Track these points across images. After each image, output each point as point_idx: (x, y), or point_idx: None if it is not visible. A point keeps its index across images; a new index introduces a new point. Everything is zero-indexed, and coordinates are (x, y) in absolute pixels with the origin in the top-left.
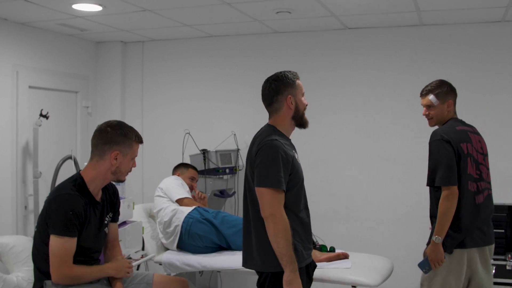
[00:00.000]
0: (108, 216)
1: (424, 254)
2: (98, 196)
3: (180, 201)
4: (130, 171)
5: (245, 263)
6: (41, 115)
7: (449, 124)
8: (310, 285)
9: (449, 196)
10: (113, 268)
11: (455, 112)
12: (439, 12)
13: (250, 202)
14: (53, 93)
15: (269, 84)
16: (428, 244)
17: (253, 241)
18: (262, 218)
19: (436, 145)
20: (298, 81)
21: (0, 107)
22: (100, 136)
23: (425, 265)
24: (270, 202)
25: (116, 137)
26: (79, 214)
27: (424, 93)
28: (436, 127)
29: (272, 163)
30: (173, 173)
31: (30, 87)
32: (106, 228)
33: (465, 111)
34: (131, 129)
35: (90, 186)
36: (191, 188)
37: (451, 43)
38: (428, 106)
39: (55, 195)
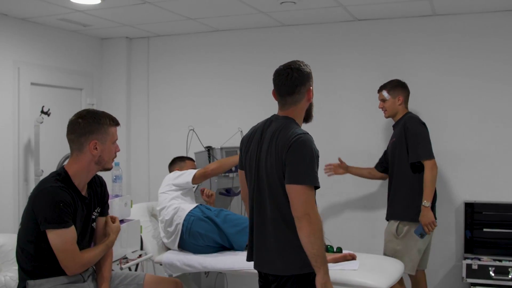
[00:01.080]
0: (96, 210)
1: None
2: (83, 191)
3: (193, 179)
4: (115, 156)
5: (259, 266)
6: (42, 112)
7: (413, 115)
8: None
9: (434, 166)
10: (114, 237)
11: (407, 107)
12: (452, 0)
13: (271, 200)
14: (56, 90)
15: (292, 73)
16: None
17: (272, 242)
18: (287, 218)
19: (418, 126)
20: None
21: (1, 104)
22: (73, 129)
23: (419, 230)
24: (306, 200)
25: (89, 127)
26: (69, 203)
27: (378, 90)
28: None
29: (308, 159)
30: (171, 170)
31: (32, 83)
32: (94, 223)
33: (481, 102)
34: (103, 114)
35: (75, 180)
36: None
37: (465, 33)
38: (382, 100)
39: (39, 189)
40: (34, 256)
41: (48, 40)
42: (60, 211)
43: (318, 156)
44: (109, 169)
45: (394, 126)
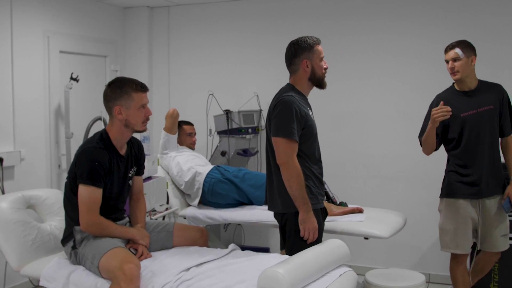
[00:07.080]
0: (132, 170)
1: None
2: (122, 150)
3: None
4: (147, 119)
5: (270, 207)
6: (71, 78)
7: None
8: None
9: None
10: (136, 234)
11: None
12: None
13: (270, 152)
14: (83, 57)
15: (290, 47)
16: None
17: (275, 186)
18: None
19: None
20: (317, 46)
21: (33, 71)
22: (104, 97)
23: (507, 204)
24: (284, 150)
25: (112, 94)
26: (104, 165)
27: (449, 48)
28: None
29: (287, 115)
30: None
31: (61, 51)
32: (130, 180)
33: None
34: (127, 81)
35: (113, 141)
36: (193, 144)
37: (473, 3)
38: (454, 60)
39: (83, 148)
40: (78, 205)
41: (74, 9)
42: (94, 170)
43: (302, 116)
44: (140, 131)
45: (470, 94)
